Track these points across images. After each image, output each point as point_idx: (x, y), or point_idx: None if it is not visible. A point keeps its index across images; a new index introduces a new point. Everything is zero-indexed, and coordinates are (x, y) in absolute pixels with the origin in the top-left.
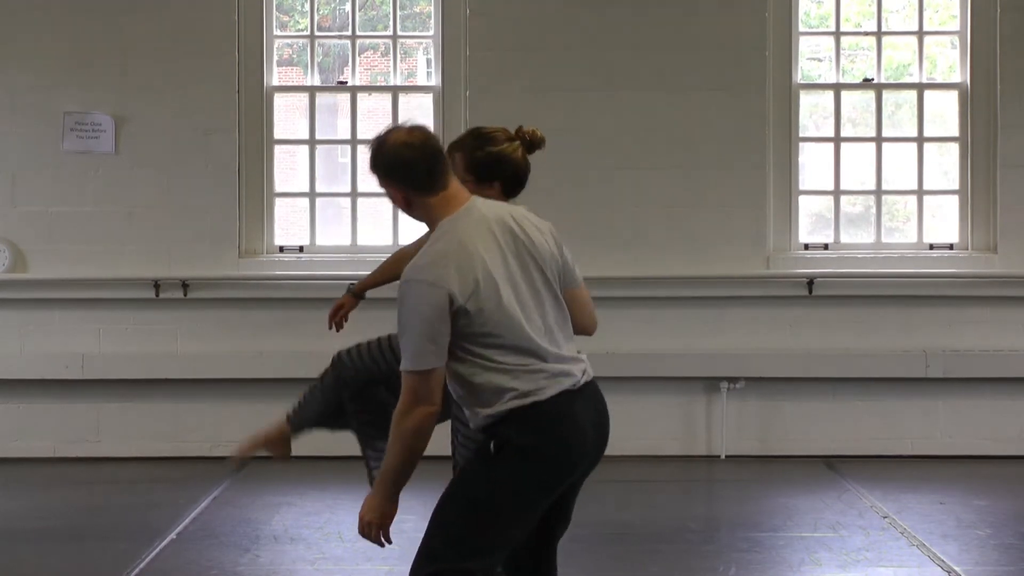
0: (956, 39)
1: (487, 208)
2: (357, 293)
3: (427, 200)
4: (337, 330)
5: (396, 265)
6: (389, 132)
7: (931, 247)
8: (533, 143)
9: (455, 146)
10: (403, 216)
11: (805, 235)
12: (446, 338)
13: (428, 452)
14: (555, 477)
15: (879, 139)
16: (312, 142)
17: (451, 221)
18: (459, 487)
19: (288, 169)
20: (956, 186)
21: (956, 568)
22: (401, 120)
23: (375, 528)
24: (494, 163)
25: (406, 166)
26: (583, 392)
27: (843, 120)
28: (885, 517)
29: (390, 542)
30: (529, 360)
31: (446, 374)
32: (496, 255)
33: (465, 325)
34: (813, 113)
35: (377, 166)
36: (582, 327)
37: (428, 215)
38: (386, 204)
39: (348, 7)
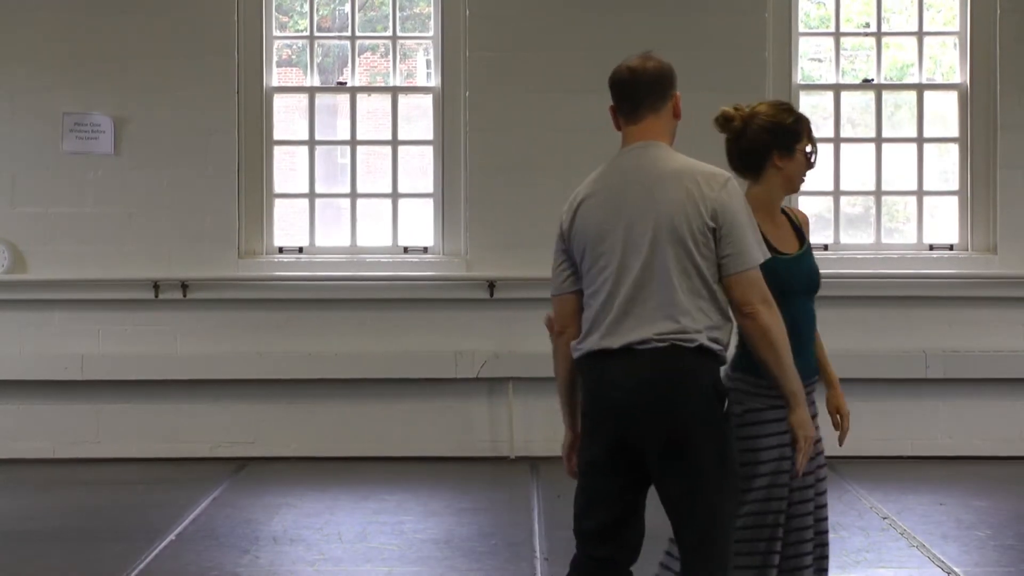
0: (956, 39)
1: None
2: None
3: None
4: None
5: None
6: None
7: (931, 248)
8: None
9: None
10: (403, 217)
11: None
12: None
13: (426, 453)
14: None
15: (879, 140)
16: (312, 143)
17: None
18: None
19: (288, 170)
20: (956, 187)
21: (956, 569)
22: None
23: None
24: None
25: None
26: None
27: (843, 121)
28: (885, 518)
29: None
30: None
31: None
32: None
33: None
34: (813, 114)
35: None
36: None
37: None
38: (386, 205)
39: (348, 8)
